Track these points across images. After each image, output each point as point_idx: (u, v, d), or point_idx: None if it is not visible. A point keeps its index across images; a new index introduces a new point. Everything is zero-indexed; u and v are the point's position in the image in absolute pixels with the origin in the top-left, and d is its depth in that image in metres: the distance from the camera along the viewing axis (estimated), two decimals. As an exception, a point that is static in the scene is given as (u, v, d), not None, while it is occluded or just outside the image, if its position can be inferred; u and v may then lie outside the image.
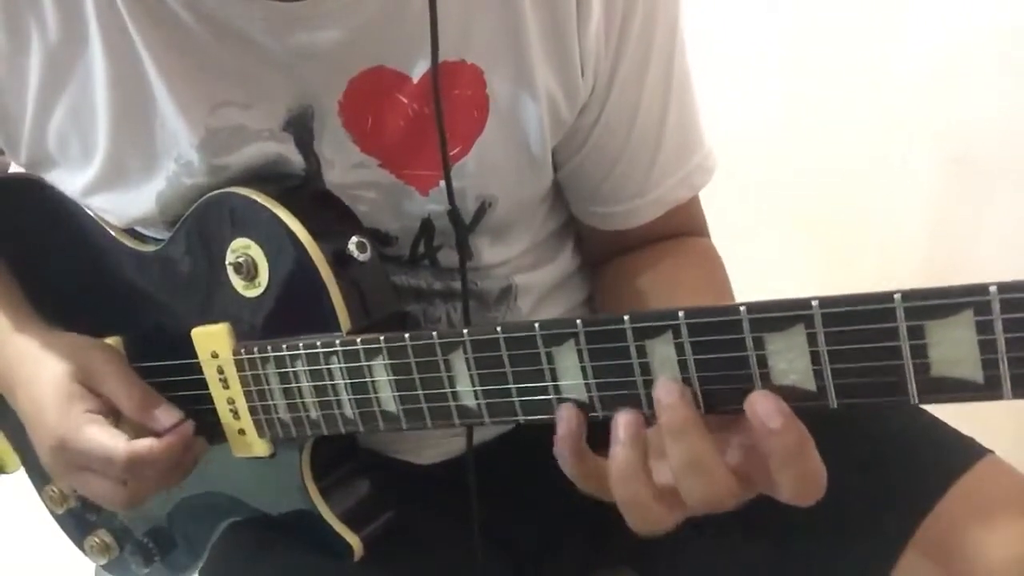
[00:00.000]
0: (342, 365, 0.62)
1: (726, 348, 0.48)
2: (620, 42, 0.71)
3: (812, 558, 0.70)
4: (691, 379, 0.49)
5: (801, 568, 0.71)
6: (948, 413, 0.63)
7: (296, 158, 0.70)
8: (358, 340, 0.61)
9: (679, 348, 0.49)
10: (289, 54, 0.66)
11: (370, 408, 0.62)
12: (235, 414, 0.70)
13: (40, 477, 0.88)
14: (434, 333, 0.57)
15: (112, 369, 0.72)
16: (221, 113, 0.68)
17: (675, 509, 0.52)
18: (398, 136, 0.70)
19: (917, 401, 0.44)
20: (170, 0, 0.65)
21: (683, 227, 0.83)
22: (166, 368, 0.73)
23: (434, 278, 0.77)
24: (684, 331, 0.48)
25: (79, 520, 0.88)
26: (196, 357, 0.70)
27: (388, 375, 0.60)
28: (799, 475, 0.48)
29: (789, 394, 0.47)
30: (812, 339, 0.45)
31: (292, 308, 0.66)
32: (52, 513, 0.90)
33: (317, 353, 0.63)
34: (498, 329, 0.54)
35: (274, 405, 0.67)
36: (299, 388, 0.65)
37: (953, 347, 0.42)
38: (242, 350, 0.68)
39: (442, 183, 0.70)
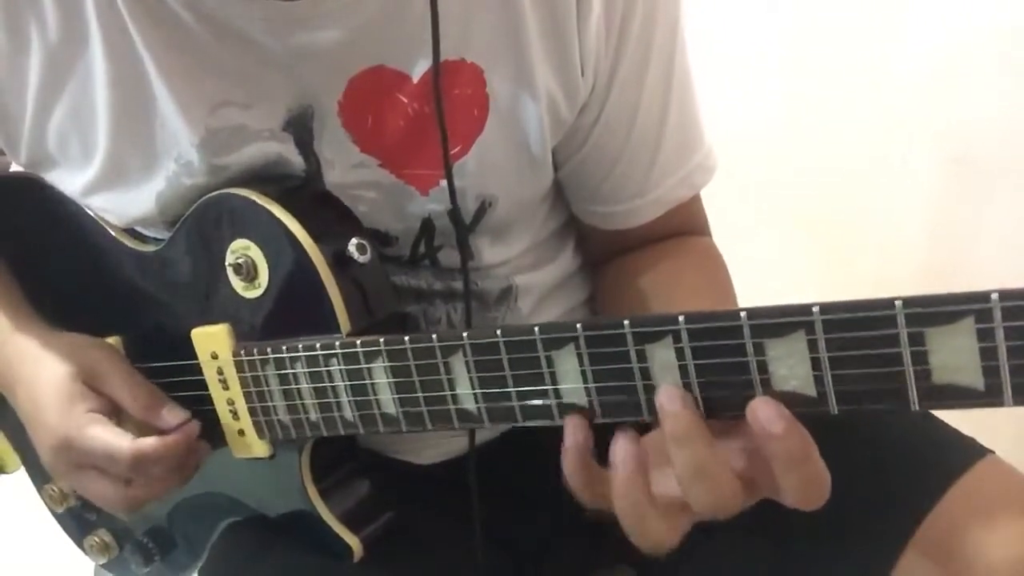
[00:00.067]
0: (342, 367, 0.62)
1: (727, 353, 0.47)
2: (620, 42, 0.71)
3: (812, 558, 0.70)
4: (691, 384, 0.49)
5: (801, 568, 0.71)
6: (948, 413, 0.63)
7: (296, 158, 0.70)
8: (358, 342, 0.61)
9: (679, 353, 0.49)
10: (289, 54, 0.66)
11: (370, 410, 0.62)
12: (235, 415, 0.70)
13: (40, 476, 0.88)
14: (434, 336, 0.57)
15: (115, 369, 0.72)
16: (221, 113, 0.68)
17: (679, 521, 0.52)
18: (398, 136, 0.70)
19: (918, 407, 0.44)
20: (170, 0, 0.65)
21: (684, 226, 0.83)
22: (166, 369, 0.73)
23: (435, 278, 0.77)
24: (684, 336, 0.48)
25: (79, 519, 0.88)
26: (196, 358, 0.70)
27: (388, 377, 0.60)
28: (803, 480, 0.48)
29: (790, 400, 0.47)
30: (813, 345, 0.45)
31: (292, 309, 0.66)
32: (52, 512, 0.90)
33: (317, 355, 0.63)
34: (498, 332, 0.54)
35: (274, 407, 0.67)
36: (299, 390, 0.65)
37: (954, 354, 0.42)
38: (242, 351, 0.68)
39: (442, 183, 0.70)
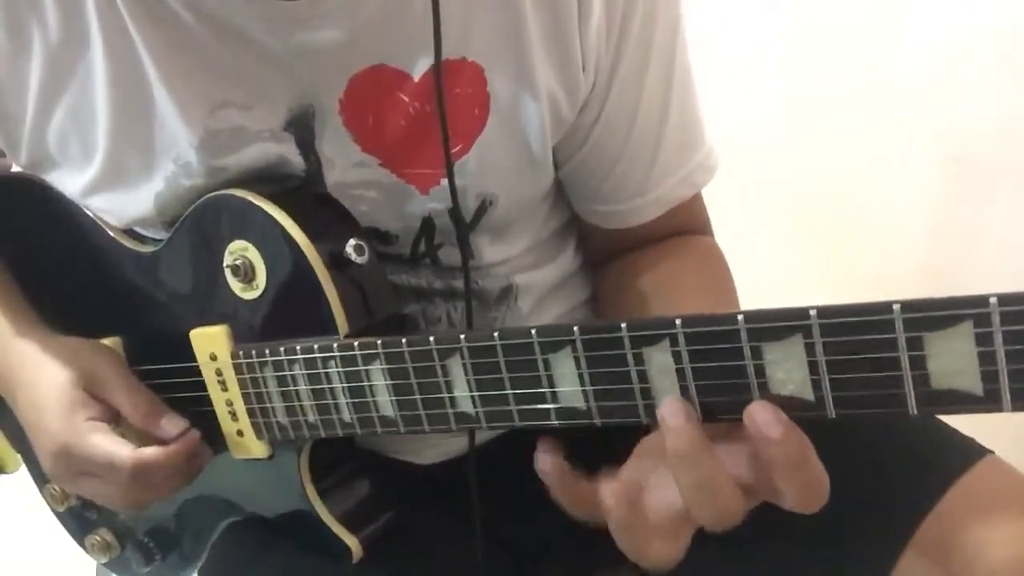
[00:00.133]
0: (339, 369, 0.62)
1: (724, 357, 0.47)
2: (620, 41, 0.70)
3: (812, 558, 0.70)
4: (688, 387, 0.49)
5: (801, 568, 0.71)
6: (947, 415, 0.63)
7: (296, 159, 0.70)
8: (355, 344, 0.61)
9: (676, 356, 0.48)
10: (290, 53, 0.66)
11: (367, 412, 0.62)
12: (233, 416, 0.70)
13: (41, 475, 0.88)
14: (431, 338, 0.57)
15: (116, 375, 0.72)
16: (221, 115, 0.68)
17: (681, 541, 0.52)
18: (399, 135, 0.69)
19: (916, 412, 0.43)
20: (171, 0, 0.65)
21: (686, 226, 0.83)
22: (165, 370, 0.73)
23: (435, 277, 0.77)
24: (681, 339, 0.48)
25: (80, 518, 0.88)
26: (195, 359, 0.70)
27: (385, 380, 0.60)
28: (802, 483, 0.48)
29: (787, 404, 0.46)
30: (810, 349, 0.45)
31: (290, 311, 0.66)
32: (53, 511, 0.90)
33: (314, 357, 0.63)
34: (495, 335, 0.54)
35: (272, 408, 0.67)
36: (297, 391, 0.65)
37: (952, 359, 0.42)
38: (240, 353, 0.68)
39: (443, 182, 0.70)
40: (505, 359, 0.54)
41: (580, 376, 0.52)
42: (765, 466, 0.48)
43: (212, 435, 0.72)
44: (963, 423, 0.72)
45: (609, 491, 0.52)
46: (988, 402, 0.42)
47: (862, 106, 1.50)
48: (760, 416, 0.46)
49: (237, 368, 0.68)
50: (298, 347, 0.64)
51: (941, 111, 1.45)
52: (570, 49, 0.69)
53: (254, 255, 0.66)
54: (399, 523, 0.75)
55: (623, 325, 0.49)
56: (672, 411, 0.49)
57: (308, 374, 0.64)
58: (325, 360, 0.62)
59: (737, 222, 1.09)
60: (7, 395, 0.77)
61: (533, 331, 0.52)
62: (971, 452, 0.71)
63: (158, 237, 0.75)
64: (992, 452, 0.71)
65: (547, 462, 0.53)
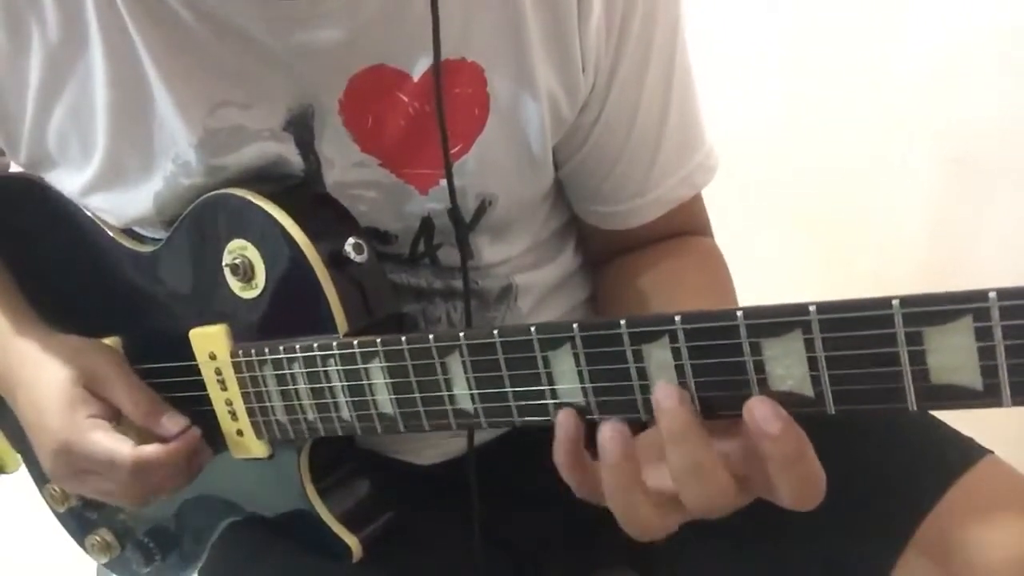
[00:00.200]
0: (339, 368, 0.62)
1: (723, 353, 0.47)
2: (620, 41, 0.71)
3: (812, 558, 0.70)
4: (688, 384, 0.49)
5: (801, 568, 0.71)
6: (948, 413, 0.63)
7: (295, 159, 0.70)
8: (354, 343, 0.60)
9: (676, 353, 0.48)
10: (289, 53, 0.66)
11: (367, 411, 0.62)
12: (233, 415, 0.70)
13: (41, 475, 0.88)
14: (430, 336, 0.57)
15: (116, 373, 0.72)
16: (220, 114, 0.68)
17: (672, 515, 0.52)
18: (398, 135, 0.70)
19: (915, 408, 0.43)
20: None
21: (685, 226, 0.83)
22: (165, 369, 0.73)
23: (434, 276, 0.77)
24: (681, 336, 0.48)
25: (80, 518, 0.88)
26: (194, 358, 0.70)
27: (385, 378, 0.60)
28: (798, 480, 0.48)
29: (786, 400, 0.46)
30: (809, 345, 0.45)
31: (289, 310, 0.66)
32: (53, 511, 0.90)
33: (314, 355, 0.63)
34: (495, 332, 0.54)
35: (271, 407, 0.67)
36: (296, 390, 0.65)
37: (952, 354, 0.42)
38: (239, 352, 0.67)
39: (442, 182, 0.70)
40: (504, 356, 0.54)
41: (580, 373, 0.52)
42: (762, 461, 0.48)
43: (212, 435, 0.72)
44: (963, 423, 0.72)
45: (607, 429, 0.51)
46: (988, 397, 0.41)
47: (862, 106, 1.51)
48: (759, 411, 0.46)
49: (236, 367, 0.68)
50: (297, 346, 0.64)
51: (941, 111, 1.45)
52: (570, 49, 0.69)
53: (253, 254, 0.66)
54: (399, 523, 0.75)
55: (622, 322, 0.49)
56: (666, 393, 0.49)
57: (307, 373, 0.64)
58: (324, 359, 0.62)
59: (737, 222, 1.09)
60: (7, 395, 0.77)
61: (532, 328, 0.52)
62: (971, 452, 0.71)
63: (157, 236, 0.75)
64: (992, 452, 0.71)
65: (572, 425, 0.52)
